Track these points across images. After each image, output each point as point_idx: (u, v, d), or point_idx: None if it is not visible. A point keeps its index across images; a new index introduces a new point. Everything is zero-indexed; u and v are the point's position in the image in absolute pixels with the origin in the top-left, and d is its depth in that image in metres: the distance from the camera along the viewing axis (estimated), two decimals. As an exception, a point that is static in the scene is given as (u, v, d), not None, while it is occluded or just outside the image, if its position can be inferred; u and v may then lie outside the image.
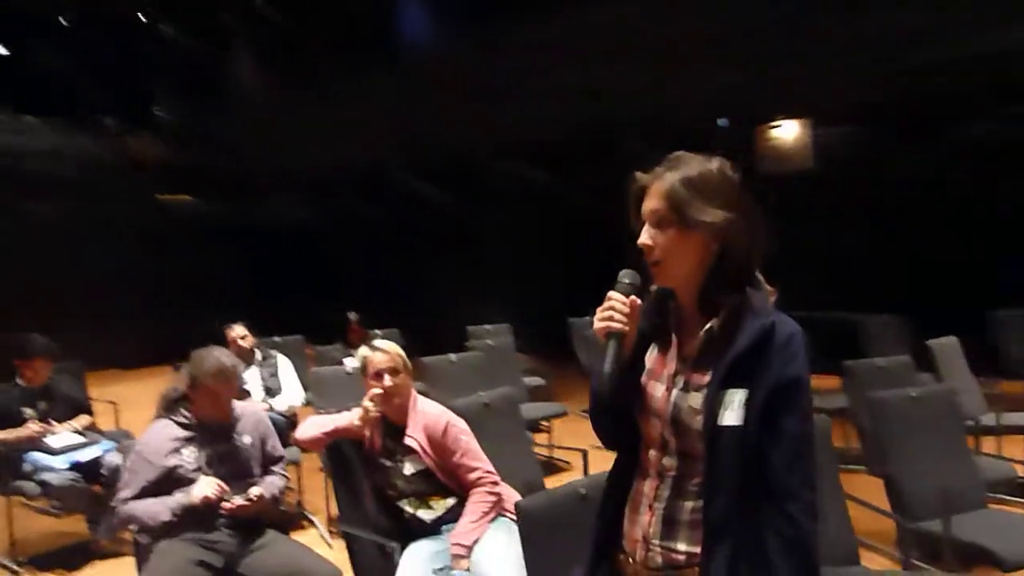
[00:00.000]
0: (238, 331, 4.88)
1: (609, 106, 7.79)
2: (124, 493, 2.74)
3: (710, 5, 6.52)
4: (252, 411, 3.11)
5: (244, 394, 4.52)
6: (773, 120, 8.35)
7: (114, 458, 4.07)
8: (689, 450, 1.38)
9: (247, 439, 2.96)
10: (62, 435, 4.19)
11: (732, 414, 1.30)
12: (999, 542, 2.74)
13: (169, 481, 2.75)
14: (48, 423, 4.18)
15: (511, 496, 2.68)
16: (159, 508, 2.69)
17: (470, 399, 3.45)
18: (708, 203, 1.35)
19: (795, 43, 6.52)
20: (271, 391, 4.78)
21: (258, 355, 4.92)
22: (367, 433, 2.72)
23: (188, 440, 2.83)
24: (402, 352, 2.75)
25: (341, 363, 5.58)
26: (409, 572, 2.47)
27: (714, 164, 1.40)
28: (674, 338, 1.46)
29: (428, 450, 2.65)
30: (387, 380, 2.65)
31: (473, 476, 2.63)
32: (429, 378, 4.84)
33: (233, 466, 2.87)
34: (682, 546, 1.38)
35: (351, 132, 9.82)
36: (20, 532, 4.22)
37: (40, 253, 9.68)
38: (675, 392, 1.40)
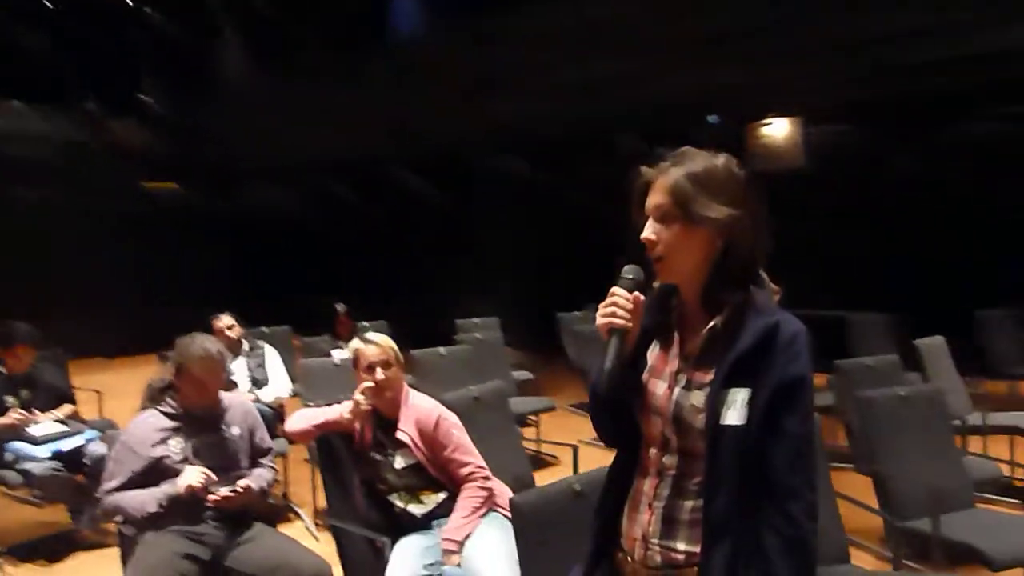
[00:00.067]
0: (225, 321, 4.84)
1: (601, 102, 7.76)
2: (109, 484, 2.70)
3: (706, 2, 6.51)
4: (240, 402, 3.08)
5: (231, 385, 4.48)
6: (767, 117, 8.36)
7: (97, 448, 4.02)
8: (690, 449, 1.36)
9: (235, 430, 2.92)
10: (44, 424, 4.13)
11: (735, 413, 1.29)
12: (988, 541, 2.75)
13: (155, 472, 2.71)
14: (30, 412, 4.12)
15: (503, 491, 2.66)
16: (145, 499, 2.65)
17: (460, 393, 3.43)
18: (713, 199, 1.34)
19: (790, 41, 6.52)
20: (258, 382, 4.74)
21: (245, 346, 4.88)
22: (357, 426, 2.69)
23: (175, 430, 2.79)
24: (394, 345, 2.72)
25: (328, 355, 5.55)
26: (399, 567, 2.45)
27: (720, 160, 1.39)
28: (676, 335, 1.44)
29: (419, 444, 2.63)
30: (379, 373, 2.62)
31: (464, 471, 2.61)
32: (418, 371, 4.81)
33: (220, 457, 2.83)
34: (681, 545, 1.37)
35: (340, 122, 9.75)
36: (1, 522, 4.16)
37: (23, 239, 9.57)
38: (677, 390, 1.38)
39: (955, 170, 7.44)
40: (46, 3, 11.02)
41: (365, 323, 6.20)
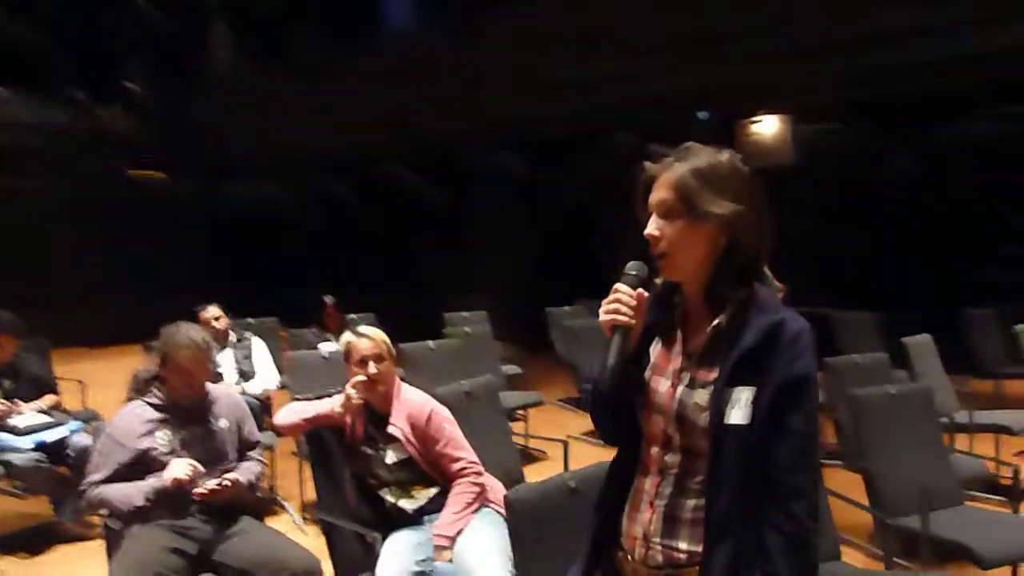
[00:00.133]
0: (212, 312, 4.77)
1: (595, 99, 7.75)
2: (95, 476, 2.66)
3: (702, 1, 6.50)
4: (228, 394, 3.04)
5: (217, 377, 4.43)
6: (757, 114, 8.37)
7: (81, 439, 3.97)
8: (693, 447, 1.35)
9: (223, 423, 2.88)
10: (27, 415, 4.06)
11: (739, 413, 1.28)
12: (977, 539, 2.76)
13: (141, 464, 2.67)
14: (13, 402, 4.06)
15: (495, 487, 2.65)
16: (131, 492, 2.60)
17: (451, 387, 3.41)
18: (718, 194, 1.32)
19: (785, 40, 6.52)
20: (245, 374, 4.68)
21: (232, 337, 4.82)
22: (348, 420, 2.66)
23: (161, 422, 2.75)
24: (387, 339, 2.69)
25: (316, 347, 5.50)
26: (391, 563, 2.42)
27: (724, 156, 1.37)
28: (679, 332, 1.43)
29: (411, 439, 2.60)
30: (372, 367, 2.59)
31: (457, 466, 2.59)
32: (407, 364, 4.78)
33: (208, 450, 2.79)
34: (683, 544, 1.36)
35: (332, 117, 9.69)
36: (-18, 514, 4.10)
37: (6, 227, 9.43)
38: (680, 388, 1.37)
39: (943, 170, 7.49)
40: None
41: (353, 315, 6.16)
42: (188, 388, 2.78)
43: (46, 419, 4.09)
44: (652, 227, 1.37)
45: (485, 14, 7.78)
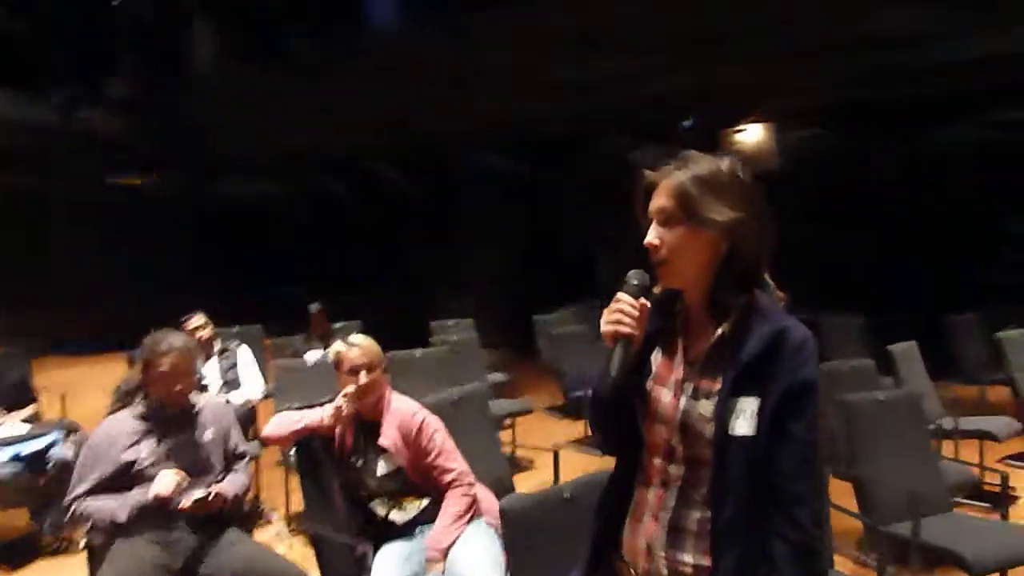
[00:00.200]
0: (196, 321, 4.71)
1: (582, 101, 7.74)
2: (78, 490, 2.60)
3: (692, 3, 6.51)
4: (214, 404, 2.99)
5: (202, 388, 4.37)
6: (756, 115, 8.39)
7: (61, 450, 3.89)
8: (697, 457, 1.34)
9: (209, 433, 2.83)
10: (6, 425, 3.99)
11: (744, 423, 1.27)
12: (967, 546, 2.77)
13: (126, 476, 2.62)
14: (-8, 413, 3.99)
15: (487, 498, 2.62)
16: (115, 507, 2.55)
17: (440, 395, 3.38)
18: (718, 201, 1.32)
19: (782, 40, 6.53)
20: (230, 384, 4.62)
21: (217, 346, 4.76)
22: (338, 431, 2.63)
23: (146, 433, 2.70)
24: (378, 348, 2.66)
25: (301, 355, 5.45)
26: (382, 575, 2.39)
27: (725, 164, 1.37)
28: (680, 341, 1.42)
29: (402, 449, 2.57)
30: (363, 377, 2.56)
31: (448, 477, 2.56)
32: (393, 372, 4.73)
33: (194, 461, 2.74)
34: (688, 556, 1.34)
35: (319, 113, 9.57)
36: (-42, 527, 4.01)
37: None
38: (684, 398, 1.35)
39: (927, 176, 7.56)
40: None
41: (339, 324, 6.10)
42: (172, 396, 2.73)
43: (24, 429, 4.02)
44: (652, 235, 1.36)
45: (470, 14, 7.76)
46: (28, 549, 3.94)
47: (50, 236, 9.75)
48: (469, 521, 2.52)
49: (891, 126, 7.67)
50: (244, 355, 4.79)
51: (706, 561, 1.31)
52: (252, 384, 4.73)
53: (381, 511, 2.59)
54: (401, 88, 8.55)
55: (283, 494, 4.44)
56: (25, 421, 4.12)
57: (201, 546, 2.62)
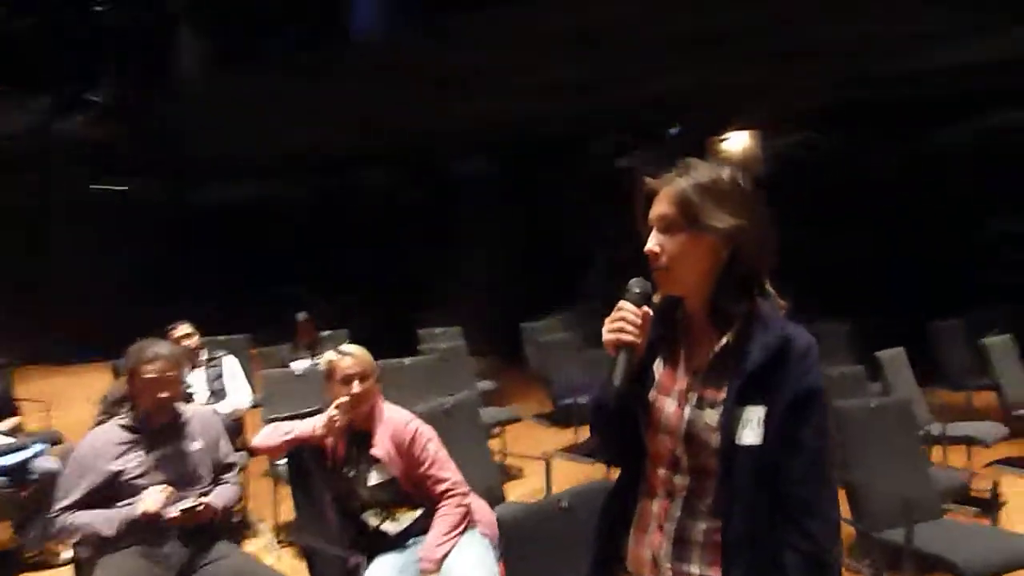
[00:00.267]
0: (182, 330, 4.66)
1: (569, 105, 7.73)
2: (64, 502, 2.55)
3: (680, 5, 6.52)
4: (202, 414, 2.95)
5: (188, 398, 4.31)
6: (744, 118, 8.40)
7: (45, 461, 3.83)
8: (702, 468, 1.32)
9: (197, 443, 2.80)
10: (-10, 438, 3.93)
11: (751, 433, 1.26)
12: (959, 553, 2.77)
13: (112, 488, 2.58)
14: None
15: (481, 507, 2.60)
16: (102, 521, 2.50)
17: (432, 404, 3.36)
18: (719, 209, 1.32)
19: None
20: (217, 394, 4.57)
21: (203, 356, 4.70)
22: (330, 441, 2.59)
23: (133, 444, 2.66)
24: (370, 357, 2.63)
25: (287, 365, 5.40)
26: (376, 587, 2.36)
27: (726, 171, 1.37)
28: (682, 349, 1.41)
29: (395, 459, 2.54)
30: (355, 386, 2.53)
31: (442, 487, 2.53)
32: (381, 381, 4.70)
33: (182, 472, 2.70)
34: (695, 568, 1.33)
35: (305, 116, 9.50)
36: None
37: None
38: (688, 408, 1.34)
39: (912, 181, 7.60)
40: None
41: (327, 332, 6.06)
42: (158, 405, 2.69)
43: (8, 441, 3.96)
44: (652, 242, 1.35)
45: (457, 17, 7.73)
46: (11, 563, 3.87)
47: (36, 243, 9.62)
48: (463, 532, 2.49)
49: (891, 127, 7.68)
50: (230, 365, 4.74)
51: (712, 572, 1.30)
52: (239, 394, 4.68)
53: (374, 522, 2.56)
54: (397, 89, 8.50)
55: (271, 504, 4.39)
56: (6, 433, 4.04)
57: (191, 559, 2.58)
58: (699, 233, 1.31)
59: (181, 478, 2.67)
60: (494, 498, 3.18)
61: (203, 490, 2.71)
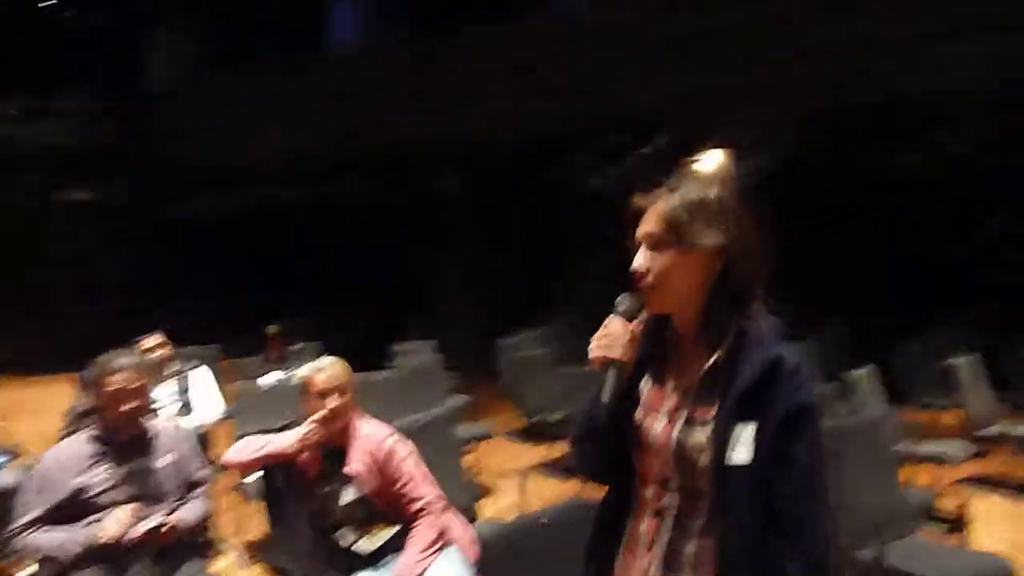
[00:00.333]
0: (153, 340, 4.56)
1: (546, 117, 7.70)
2: (26, 518, 2.47)
3: (662, 9, 6.54)
4: (171, 429, 2.89)
5: (152, 413, 4.20)
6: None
7: (4, 476, 3.71)
8: (692, 488, 1.31)
9: (165, 459, 2.73)
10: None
11: (743, 451, 1.25)
12: (932, 570, 2.80)
13: (76, 506, 2.50)
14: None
15: (460, 524, 2.56)
16: (65, 541, 2.42)
17: (405, 420, 3.31)
18: (708, 226, 1.31)
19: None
20: (186, 407, 4.47)
21: (173, 368, 4.60)
22: (304, 457, 2.54)
23: (100, 457, 2.59)
24: (347, 371, 2.59)
25: (256, 378, 5.31)
26: (350, 607, 2.31)
27: (715, 187, 1.36)
28: (670, 367, 1.39)
29: (370, 477, 2.49)
30: (331, 401, 2.49)
31: (417, 506, 2.49)
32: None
33: (148, 488, 2.63)
34: None
35: (284, 126, 9.39)
36: None
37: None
38: (677, 427, 1.33)
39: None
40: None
41: (298, 345, 5.98)
42: (123, 417, 2.62)
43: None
44: (639, 261, 1.34)
45: (432, 34, 7.71)
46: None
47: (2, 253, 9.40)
48: (439, 550, 2.45)
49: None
50: (199, 377, 4.64)
51: None
52: (206, 407, 4.58)
53: (348, 540, 2.51)
54: (363, 101, 8.46)
55: (241, 521, 4.29)
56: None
57: (157, 579, 2.51)
58: (688, 250, 1.31)
59: (148, 494, 2.61)
60: (467, 516, 3.14)
61: (170, 507, 2.64)
